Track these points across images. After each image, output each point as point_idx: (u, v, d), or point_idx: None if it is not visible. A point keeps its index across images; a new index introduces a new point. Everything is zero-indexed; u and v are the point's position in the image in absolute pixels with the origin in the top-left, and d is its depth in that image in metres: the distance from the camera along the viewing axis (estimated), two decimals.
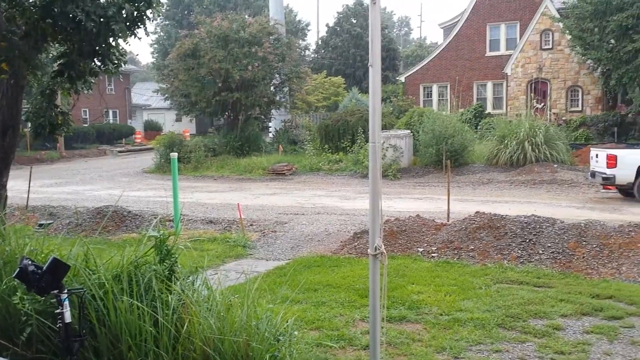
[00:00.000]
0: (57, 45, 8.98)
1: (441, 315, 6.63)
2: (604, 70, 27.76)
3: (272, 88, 32.56)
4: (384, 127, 25.19)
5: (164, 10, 49.16)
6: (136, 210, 14.39)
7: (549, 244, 9.25)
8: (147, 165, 29.78)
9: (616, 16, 24.24)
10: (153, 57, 63.03)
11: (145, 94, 60.73)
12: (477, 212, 10.64)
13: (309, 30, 71.03)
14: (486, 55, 35.71)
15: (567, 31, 27.98)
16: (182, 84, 30.74)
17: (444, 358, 5.52)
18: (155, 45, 61.23)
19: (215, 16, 32.22)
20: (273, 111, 34.30)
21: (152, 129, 55.95)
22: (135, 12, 8.82)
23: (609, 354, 5.55)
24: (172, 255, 4.70)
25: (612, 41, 25.74)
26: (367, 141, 25.13)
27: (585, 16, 26.07)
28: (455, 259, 9.23)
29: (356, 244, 10.37)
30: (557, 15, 30.36)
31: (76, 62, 8.46)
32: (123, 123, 52.23)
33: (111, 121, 51.31)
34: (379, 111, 4.08)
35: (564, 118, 30.73)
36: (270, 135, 36.22)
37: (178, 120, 57.31)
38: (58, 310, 3.77)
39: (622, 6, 24.06)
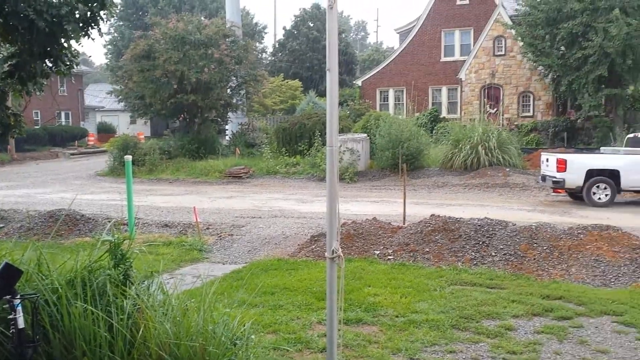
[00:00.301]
0: (7, 45, 8.77)
1: (397, 317, 6.71)
2: (555, 76, 28.54)
3: (228, 91, 32.39)
4: (341, 131, 25.35)
5: (117, 11, 48.31)
6: (89, 213, 14.11)
7: (502, 246, 9.46)
8: (101, 168, 29.24)
9: (566, 24, 24.95)
10: (107, 58, 62.00)
11: (99, 96, 59.59)
12: (432, 215, 10.81)
13: (266, 33, 71.01)
14: (441, 60, 36.29)
15: (519, 38, 28.67)
16: (137, 85, 30.27)
17: (400, 359, 5.59)
18: (109, 46, 60.22)
19: (170, 18, 31.87)
20: (230, 114, 34.10)
21: (105, 131, 54.92)
22: (89, 13, 8.71)
23: (558, 354, 5.71)
24: (127, 260, 4.64)
25: (563, 48, 26.48)
26: (324, 144, 25.37)
27: (536, 23, 26.75)
28: (411, 262, 9.35)
29: (313, 246, 10.40)
30: (510, 22, 31.07)
31: (27, 62, 8.29)
32: (76, 125, 51.11)
33: (63, 123, 50.16)
34: (336, 115, 4.12)
35: (516, 123, 31.47)
36: (227, 138, 36.00)
37: (132, 122, 56.39)
38: (11, 316, 3.69)
39: (572, 14, 24.78)
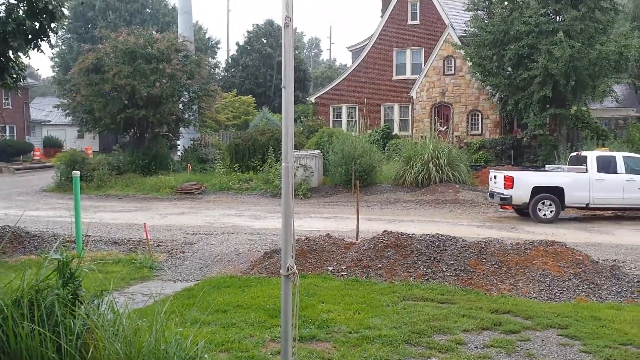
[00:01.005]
0: None
1: (350, 333, 6.73)
2: (502, 96, 29.30)
3: (180, 106, 32.07)
4: (295, 147, 25.28)
5: (66, 24, 47.23)
6: (35, 231, 13.70)
7: (452, 262, 9.62)
8: (47, 184, 28.45)
9: (513, 45, 25.69)
10: (54, 71, 60.56)
11: (45, 109, 58.12)
12: (384, 231, 10.91)
13: (219, 49, 70.67)
14: (393, 78, 36.86)
15: (468, 58, 29.36)
16: (85, 99, 29.67)
17: None
18: (57, 59, 58.90)
19: (121, 31, 31.44)
20: (182, 129, 33.75)
21: (52, 145, 53.53)
22: (38, 25, 8.52)
23: None
24: (76, 279, 4.53)
25: (509, 69, 27.23)
26: (277, 160, 25.36)
27: (484, 44, 27.45)
28: (364, 277, 9.41)
29: (266, 263, 10.36)
30: (459, 43, 31.83)
31: None
32: (21, 139, 49.66)
33: (8, 137, 48.67)
34: (291, 133, 4.14)
35: (465, 141, 32.15)
36: (179, 153, 35.60)
37: (80, 137, 55.25)
38: None
39: (518, 36, 25.53)
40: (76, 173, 11.18)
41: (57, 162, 29.58)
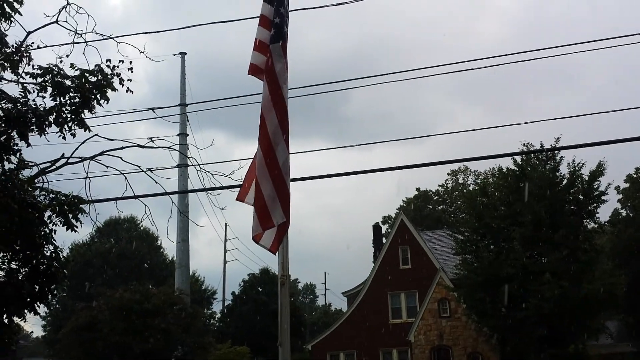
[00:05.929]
0: None
1: None
2: (500, 337, 28.71)
3: None
4: None
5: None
6: None
7: None
8: None
9: (504, 287, 25.85)
10: (45, 331, 59.47)
11: None
12: None
13: (214, 299, 70.71)
14: (389, 322, 36.44)
15: (462, 300, 29.36)
16: None
17: None
18: (49, 318, 58.27)
19: (117, 288, 31.72)
20: None
21: None
22: (38, 288, 8.61)
23: None
24: None
25: (504, 310, 27.08)
26: None
27: (476, 286, 27.62)
28: None
29: None
30: (451, 285, 32.04)
31: None
32: None
33: None
34: None
35: None
36: None
37: None
38: None
39: (509, 277, 25.80)
40: None
41: None
